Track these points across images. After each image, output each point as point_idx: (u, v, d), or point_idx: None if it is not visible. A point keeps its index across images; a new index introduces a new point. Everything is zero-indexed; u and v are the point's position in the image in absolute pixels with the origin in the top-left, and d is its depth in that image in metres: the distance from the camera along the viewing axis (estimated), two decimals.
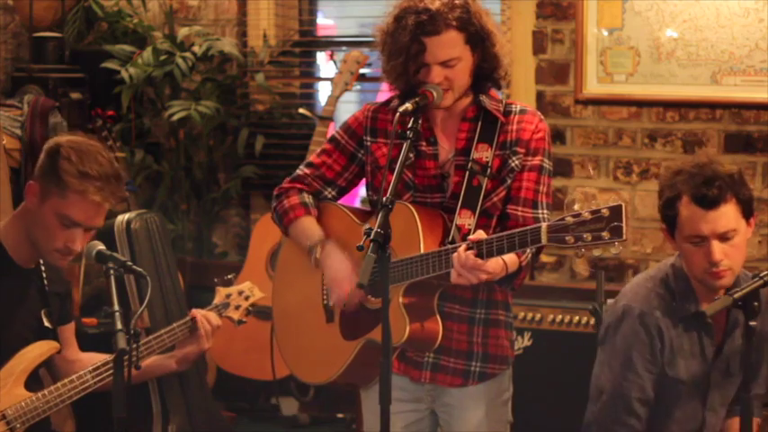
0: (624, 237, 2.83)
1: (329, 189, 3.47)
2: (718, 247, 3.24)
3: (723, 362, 3.41)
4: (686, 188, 3.25)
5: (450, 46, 3.18)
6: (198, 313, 3.65)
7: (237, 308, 3.81)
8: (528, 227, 2.99)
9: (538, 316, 4.70)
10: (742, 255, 3.30)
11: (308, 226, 3.41)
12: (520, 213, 3.25)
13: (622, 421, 3.37)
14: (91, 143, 3.39)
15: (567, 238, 2.89)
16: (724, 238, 3.24)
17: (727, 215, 3.23)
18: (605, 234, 2.85)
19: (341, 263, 3.31)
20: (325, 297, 3.42)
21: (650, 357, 3.37)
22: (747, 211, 3.28)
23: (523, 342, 4.62)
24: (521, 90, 5.09)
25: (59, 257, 3.37)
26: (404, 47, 3.18)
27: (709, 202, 3.21)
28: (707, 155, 3.36)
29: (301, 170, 3.49)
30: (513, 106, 3.32)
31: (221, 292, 3.82)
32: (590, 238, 2.87)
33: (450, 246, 3.12)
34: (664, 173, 3.44)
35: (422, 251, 3.16)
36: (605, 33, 5.01)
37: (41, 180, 3.33)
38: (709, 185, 3.22)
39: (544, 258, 5.15)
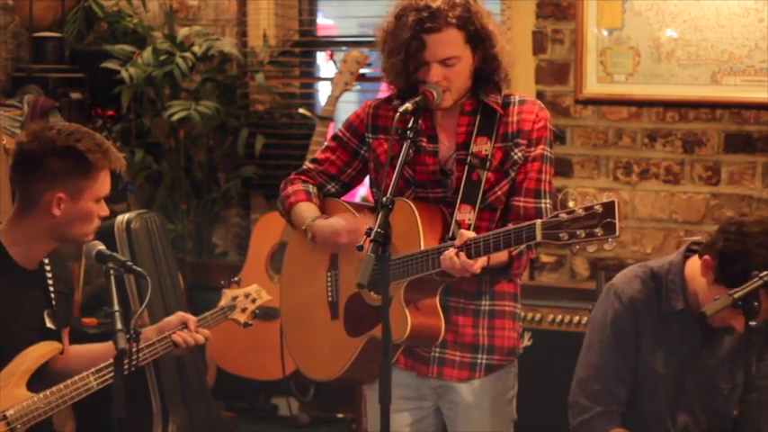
0: (617, 233, 2.85)
1: (332, 184, 3.49)
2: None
3: (704, 367, 3.38)
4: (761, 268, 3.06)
5: (449, 44, 3.19)
6: (178, 335, 3.58)
7: (244, 310, 3.79)
8: (523, 224, 3.00)
9: (538, 316, 4.70)
10: None
11: (307, 209, 3.43)
12: (522, 204, 3.26)
13: (599, 402, 3.37)
14: (71, 125, 3.44)
15: (560, 234, 2.91)
16: None
17: None
18: (598, 231, 2.86)
19: (335, 221, 3.33)
20: (329, 294, 3.43)
21: (625, 337, 3.36)
22: None
23: (523, 342, 4.62)
24: (521, 90, 5.05)
25: (95, 231, 3.40)
26: (404, 44, 3.19)
27: None
28: None
29: (306, 165, 3.53)
30: (512, 97, 3.33)
31: (227, 295, 3.81)
32: (583, 235, 2.88)
33: (449, 243, 3.13)
34: (732, 220, 3.27)
35: (422, 248, 3.17)
36: (605, 33, 5.02)
37: (67, 184, 3.32)
38: None
39: (544, 258, 5.15)
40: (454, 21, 3.18)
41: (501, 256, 3.16)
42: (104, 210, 3.41)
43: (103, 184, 3.36)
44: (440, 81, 3.20)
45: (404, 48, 3.20)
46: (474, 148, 3.28)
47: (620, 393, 3.38)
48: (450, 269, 3.06)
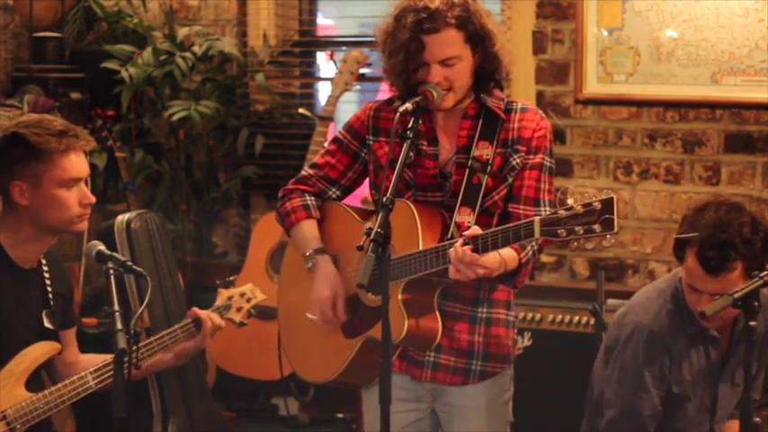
0: (615, 229, 2.83)
1: (333, 189, 3.48)
2: (709, 302, 3.21)
3: (729, 373, 3.40)
4: (696, 242, 3.22)
5: (449, 44, 3.18)
6: (202, 313, 3.65)
7: (239, 310, 3.80)
8: (521, 221, 3.00)
9: (538, 316, 4.70)
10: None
11: (307, 231, 3.43)
12: (522, 212, 3.25)
13: None
14: (25, 114, 3.43)
15: (559, 231, 2.90)
16: (721, 293, 3.22)
17: (729, 281, 3.22)
18: (597, 227, 2.85)
19: (327, 282, 3.33)
20: None
21: (660, 375, 3.39)
22: (752, 270, 3.21)
23: (523, 342, 4.62)
24: (521, 90, 5.09)
25: (82, 219, 3.39)
26: (403, 45, 3.19)
27: (712, 269, 3.19)
28: (738, 205, 3.27)
29: (305, 171, 3.51)
30: (515, 104, 3.33)
31: (223, 294, 3.82)
32: (582, 231, 2.87)
33: (447, 242, 3.13)
34: (695, 201, 3.38)
35: (420, 248, 3.17)
36: (605, 33, 5.01)
37: (22, 171, 3.33)
38: (718, 252, 3.17)
39: (544, 258, 5.15)
40: (453, 21, 3.17)
41: (513, 263, 3.16)
42: (86, 196, 3.39)
43: (65, 168, 3.33)
44: (441, 82, 3.20)
45: (403, 49, 3.20)
46: (475, 152, 3.27)
47: (652, 429, 3.40)
48: (456, 264, 3.04)
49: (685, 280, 3.30)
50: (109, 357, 3.45)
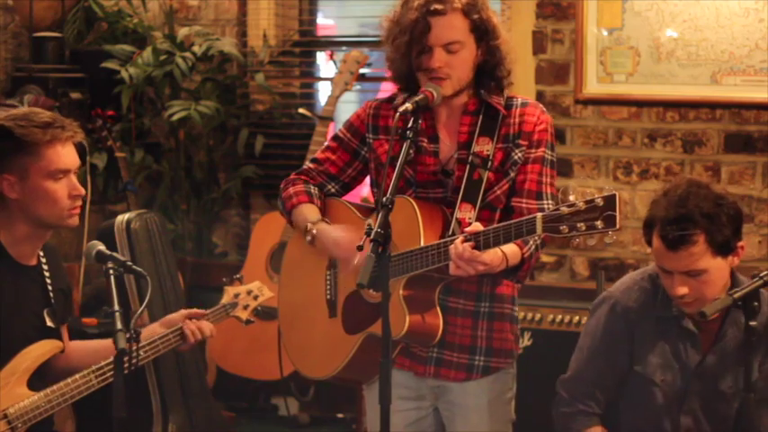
0: (617, 226, 2.85)
1: (332, 184, 3.49)
2: (681, 282, 3.23)
3: (707, 371, 3.38)
4: (658, 220, 3.24)
5: (454, 28, 3.21)
6: (189, 325, 3.59)
7: (246, 307, 3.79)
8: (524, 218, 3.01)
9: (538, 316, 4.70)
10: (713, 287, 3.25)
11: (309, 211, 3.43)
12: (524, 206, 3.26)
13: (580, 401, 3.45)
14: (14, 109, 3.41)
15: (561, 227, 2.91)
16: (690, 274, 3.22)
17: (693, 256, 3.19)
18: (599, 223, 2.87)
19: (338, 231, 3.33)
20: (328, 292, 3.43)
21: (615, 347, 3.41)
22: (723, 250, 3.22)
23: (523, 342, 4.61)
24: (521, 90, 5.04)
25: (73, 211, 3.38)
26: (409, 26, 3.21)
27: (672, 243, 3.19)
28: (699, 183, 3.29)
29: (307, 165, 3.53)
30: (515, 99, 3.35)
31: (229, 292, 3.81)
32: (584, 228, 2.89)
33: (448, 238, 3.14)
34: (666, 185, 3.41)
35: (422, 245, 3.17)
36: (605, 33, 5.02)
37: (10, 164, 3.32)
38: (676, 226, 3.18)
39: (544, 258, 5.15)
40: (460, 6, 3.21)
41: (515, 258, 3.16)
42: (75, 188, 3.37)
43: (51, 160, 3.32)
44: (442, 67, 3.22)
45: (409, 30, 3.22)
46: (476, 148, 3.28)
47: (600, 398, 3.45)
48: (456, 260, 3.05)
49: (655, 262, 3.32)
50: (99, 341, 3.46)
